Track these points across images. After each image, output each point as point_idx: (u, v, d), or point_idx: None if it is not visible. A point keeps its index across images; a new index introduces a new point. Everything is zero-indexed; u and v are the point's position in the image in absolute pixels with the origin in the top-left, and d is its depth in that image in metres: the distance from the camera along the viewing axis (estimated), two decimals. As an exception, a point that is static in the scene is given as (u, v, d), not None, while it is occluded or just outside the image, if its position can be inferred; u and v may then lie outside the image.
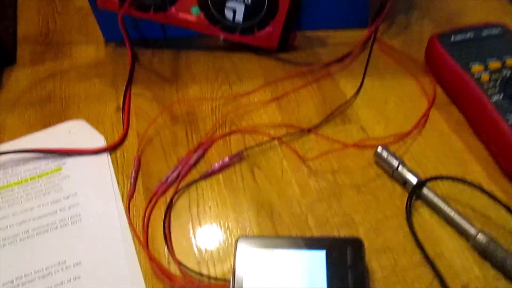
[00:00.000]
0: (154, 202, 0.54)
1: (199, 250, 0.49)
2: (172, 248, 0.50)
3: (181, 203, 0.54)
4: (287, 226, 0.50)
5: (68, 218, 0.54)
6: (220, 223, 0.52)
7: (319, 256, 0.44)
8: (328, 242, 0.45)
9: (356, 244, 0.45)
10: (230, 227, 0.51)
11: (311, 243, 0.45)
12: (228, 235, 0.50)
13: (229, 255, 0.49)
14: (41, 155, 0.61)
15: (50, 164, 0.60)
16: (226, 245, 0.50)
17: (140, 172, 0.58)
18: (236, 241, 0.46)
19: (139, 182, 0.57)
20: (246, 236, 0.47)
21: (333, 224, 0.50)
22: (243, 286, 0.43)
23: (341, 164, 0.56)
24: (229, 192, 0.54)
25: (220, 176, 0.56)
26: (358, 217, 0.50)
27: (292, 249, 0.45)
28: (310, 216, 0.51)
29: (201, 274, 0.47)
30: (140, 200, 0.55)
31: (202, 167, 0.57)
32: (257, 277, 0.44)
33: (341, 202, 0.52)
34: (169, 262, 0.49)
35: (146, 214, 0.53)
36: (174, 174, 0.56)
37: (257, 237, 0.47)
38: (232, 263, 0.45)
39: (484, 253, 0.45)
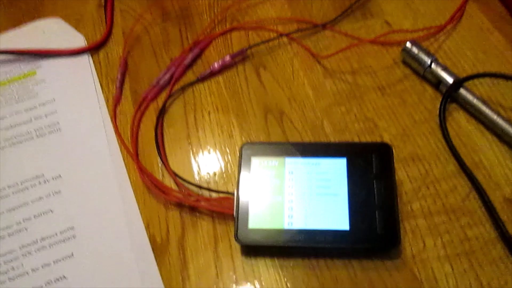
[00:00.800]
0: (144, 108, 0.47)
1: (197, 162, 0.43)
2: (165, 158, 0.43)
3: (175, 109, 0.47)
4: (299, 133, 0.43)
5: (45, 127, 0.46)
6: (221, 130, 0.44)
7: (339, 165, 0.37)
8: (350, 148, 0.38)
9: (383, 151, 0.38)
10: (234, 134, 0.44)
11: (330, 150, 0.38)
12: (231, 143, 0.43)
13: (232, 167, 0.42)
14: (12, 57, 0.52)
15: (22, 67, 0.52)
16: (229, 155, 0.43)
17: (127, 75, 0.50)
18: (241, 148, 0.39)
19: (126, 86, 0.49)
20: (252, 142, 0.40)
21: (353, 130, 0.43)
22: (250, 198, 0.37)
23: (362, 63, 0.47)
24: (231, 95, 0.47)
25: (221, 77, 0.48)
26: (382, 122, 0.43)
27: (306, 157, 0.38)
28: (327, 121, 0.44)
29: (200, 187, 0.41)
30: (127, 105, 0.47)
31: (199, 68, 0.49)
32: (265, 189, 0.37)
33: (363, 106, 0.44)
34: (163, 175, 0.42)
35: (135, 121, 0.46)
36: (167, 76, 0.48)
37: (265, 143, 0.40)
38: (237, 175, 0.38)
39: (532, 160, 0.39)
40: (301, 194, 0.37)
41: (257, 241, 0.35)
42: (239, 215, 0.36)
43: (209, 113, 0.46)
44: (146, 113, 0.47)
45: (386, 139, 0.42)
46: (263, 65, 0.48)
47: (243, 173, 0.38)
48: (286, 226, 0.36)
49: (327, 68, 0.47)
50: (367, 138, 0.42)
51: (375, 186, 0.36)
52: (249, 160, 0.38)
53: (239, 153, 0.39)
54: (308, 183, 0.37)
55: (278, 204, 0.36)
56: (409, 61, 0.46)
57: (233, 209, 0.37)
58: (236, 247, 0.38)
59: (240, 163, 0.38)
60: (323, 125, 0.43)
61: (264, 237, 0.35)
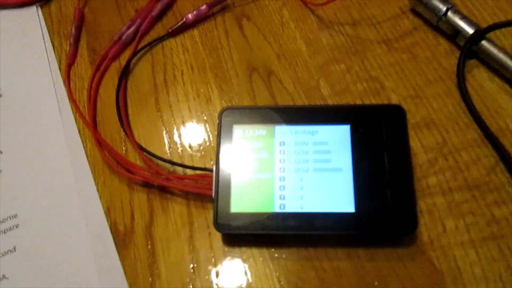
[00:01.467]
0: (103, 68, 0.39)
1: (168, 132, 0.35)
2: (129, 129, 0.36)
3: (141, 69, 0.39)
4: (290, 96, 0.36)
5: (-17, 92, 0.38)
6: (197, 93, 0.37)
7: (342, 133, 0.30)
8: (354, 113, 0.31)
9: (394, 115, 0.31)
10: (212, 98, 0.36)
11: (329, 115, 0.31)
12: (209, 109, 0.36)
13: (211, 139, 0.35)
14: None
15: (-43, 21, 0.43)
16: (207, 124, 0.35)
17: (83, 30, 0.41)
18: (220, 114, 0.32)
19: (82, 43, 0.41)
20: (234, 107, 0.32)
21: (356, 92, 0.36)
22: (232, 176, 0.30)
23: (364, 12, 0.40)
24: (209, 52, 0.39)
25: (196, 31, 0.40)
26: (389, 82, 0.36)
27: (300, 124, 0.31)
28: (324, 82, 0.36)
29: (171, 163, 0.34)
30: (84, 66, 0.39)
31: (169, 20, 0.41)
32: (251, 164, 0.30)
33: (366, 63, 0.37)
34: (126, 149, 0.35)
35: (93, 85, 0.38)
36: (131, 30, 0.40)
37: (250, 108, 0.33)
38: (216, 147, 0.31)
39: None
40: (295, 170, 0.30)
41: (241, 228, 0.29)
42: (219, 197, 0.29)
43: (182, 73, 0.38)
44: (106, 75, 0.39)
45: (395, 101, 0.35)
46: (247, 16, 0.40)
47: (224, 145, 0.31)
48: (277, 209, 0.29)
49: (322, 19, 0.40)
50: (372, 101, 0.35)
51: (386, 158, 0.29)
52: (231, 129, 0.31)
53: (218, 121, 0.32)
54: (303, 156, 0.30)
55: (267, 182, 0.30)
56: (419, 9, 0.38)
57: (211, 189, 0.30)
58: (217, 235, 0.31)
59: (220, 133, 0.31)
60: (319, 86, 0.36)
61: (250, 223, 0.29)
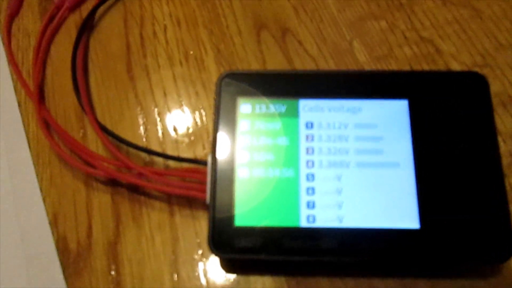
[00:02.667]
0: (58, 21, 0.28)
1: (145, 110, 0.26)
2: (89, 104, 0.25)
3: (109, 23, 0.29)
4: (314, 61, 0.26)
5: None
6: (184, 56, 0.27)
7: (397, 111, 0.21)
8: (413, 82, 0.22)
9: (471, 86, 0.21)
10: (206, 63, 0.27)
11: (378, 85, 0.22)
12: (201, 78, 0.26)
13: (204, 119, 0.25)
14: None
15: None
16: (199, 98, 0.26)
17: (33, -29, 0.31)
18: (219, 82, 0.22)
19: (31, -13, 0.30)
20: (239, 71, 0.23)
21: (403, 57, 0.26)
22: (236, 172, 0.20)
23: (408, -44, 0.30)
24: (202, 2, 0.29)
25: (184, -25, 0.30)
26: (447, 45, 0.26)
27: (335, 97, 0.21)
28: (358, 43, 0.27)
29: (148, 152, 0.24)
30: (32, 17, 0.29)
31: (149, -39, 0.31)
32: (264, 156, 0.21)
33: (414, 20, 0.27)
34: (84, 132, 0.25)
35: (43, 42, 0.28)
36: (97, -28, 0.30)
37: (261, 73, 0.23)
38: (212, 130, 0.22)
39: None
40: (329, 165, 0.20)
41: (250, 250, 0.19)
42: (217, 203, 0.20)
43: (164, 29, 0.28)
44: (61, 30, 0.29)
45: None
46: (253, -43, 0.30)
47: (224, 126, 0.21)
48: (304, 223, 0.19)
49: (353, -37, 0.30)
50: (426, 68, 0.26)
51: (464, 147, 0.20)
52: (234, 104, 0.21)
53: (216, 92, 0.22)
54: (341, 145, 0.20)
55: (288, 183, 0.20)
56: (483, -49, 0.29)
57: (205, 191, 0.21)
58: (213, 259, 0.21)
59: (218, 109, 0.21)
60: (352, 48, 0.27)
61: (264, 243, 0.19)
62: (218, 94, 0.21)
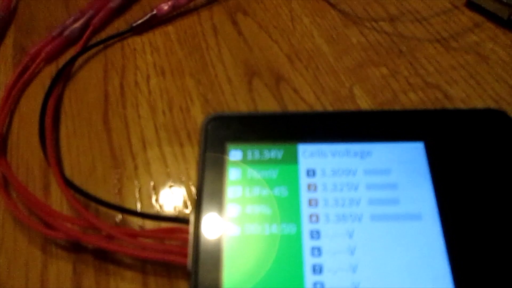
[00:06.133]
0: (32, 72, 0.26)
1: (121, 162, 0.22)
2: (55, 156, 0.22)
3: (88, 73, 0.26)
4: (310, 108, 0.24)
5: None
6: (168, 106, 0.24)
7: (411, 154, 0.18)
8: (429, 122, 0.19)
9: (494, 124, 0.19)
10: (192, 112, 0.24)
11: (389, 126, 0.19)
12: (186, 127, 0.23)
13: (187, 172, 0.22)
14: None
15: None
16: (184, 150, 0.23)
17: (12, 24, 0.29)
18: (205, 125, 0.19)
19: (8, 39, 0.29)
20: (227, 114, 0.20)
21: (408, 103, 0.24)
22: (223, 228, 0.17)
23: (403, 7, 0.29)
24: (189, 52, 0.27)
25: (171, 27, 0.29)
26: (456, 90, 0.24)
27: (341, 141, 0.18)
28: (359, 90, 0.25)
29: (121, 210, 0.20)
30: (4, 68, 0.27)
31: (135, 14, 0.30)
32: (258, 209, 0.17)
33: (417, 66, 0.26)
34: (48, 190, 0.21)
35: (12, 92, 0.25)
36: (79, 24, 0.28)
37: (254, 115, 0.20)
38: (196, 181, 0.18)
39: None
40: (337, 219, 0.17)
41: (242, 330, 0.15)
42: (201, 269, 0.16)
43: (147, 79, 0.26)
44: (34, 82, 0.26)
45: (470, 117, 0.23)
46: (243, 10, 0.29)
47: (210, 177, 0.18)
48: (310, 291, 0.15)
49: (347, 14, 0.29)
50: (434, 117, 0.23)
51: (494, 195, 0.17)
52: (223, 150, 0.18)
53: (201, 137, 0.19)
54: (350, 194, 0.17)
55: (288, 242, 0.16)
56: (481, 1, 0.28)
57: (187, 255, 0.17)
58: None
59: (204, 156, 0.18)
60: (353, 95, 0.24)
61: (260, 320, 0.15)
62: (204, 140, 0.18)
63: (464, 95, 0.24)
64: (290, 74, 0.26)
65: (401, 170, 0.18)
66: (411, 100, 0.24)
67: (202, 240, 0.16)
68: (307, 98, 0.24)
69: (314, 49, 0.27)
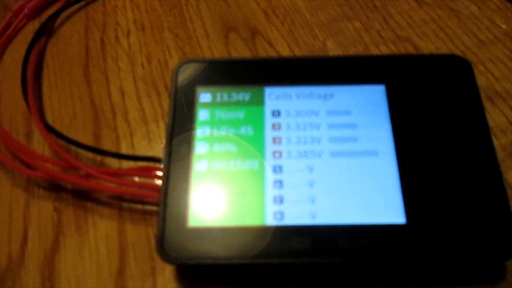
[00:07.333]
0: (14, 28, 0.27)
1: (101, 113, 0.23)
2: (36, 104, 0.23)
3: (69, 29, 0.27)
4: (285, 62, 0.25)
5: None
6: (147, 58, 0.25)
7: (372, 96, 0.19)
8: (390, 66, 0.20)
9: (454, 69, 0.20)
10: (169, 64, 0.25)
11: (351, 70, 0.20)
12: (164, 78, 0.24)
13: (162, 116, 0.23)
14: None
15: None
16: (160, 98, 0.23)
17: (-5, -16, 0.30)
18: (176, 70, 0.20)
19: (-10, -3, 0.29)
20: (197, 59, 0.21)
21: (377, 54, 0.25)
22: (191, 165, 0.18)
23: (381, -36, 0.29)
24: (169, 9, 0.28)
25: (151, -16, 0.29)
26: (426, 43, 0.25)
27: (304, 84, 0.19)
28: (333, 42, 0.25)
29: (96, 151, 0.21)
30: (-13, 26, 0.28)
31: (115, -29, 0.30)
32: (224, 148, 0.18)
33: (390, 21, 0.26)
34: (30, 136, 0.22)
35: (-5, 48, 0.26)
36: (60, -18, 0.29)
37: (222, 61, 0.21)
38: (167, 121, 0.19)
39: None
40: (298, 155, 0.18)
41: (207, 255, 0.16)
42: (168, 202, 0.17)
43: (128, 34, 0.26)
44: (17, 38, 0.27)
45: (438, 68, 0.24)
46: (222, -34, 0.30)
47: (180, 118, 0.19)
48: (271, 220, 0.17)
49: (325, -29, 0.29)
50: (403, 69, 0.24)
51: (450, 136, 0.18)
52: (193, 93, 0.19)
53: (173, 81, 0.20)
54: (312, 133, 0.18)
55: (252, 176, 0.17)
56: (455, -43, 0.28)
57: (158, 191, 0.18)
58: (167, 270, 0.18)
59: (175, 99, 0.19)
60: (326, 48, 0.25)
61: (223, 246, 0.16)
62: (174, 83, 0.19)
63: (434, 47, 0.25)
64: (266, 28, 0.26)
65: (361, 111, 0.19)
66: (382, 52, 0.25)
67: (171, 175, 0.17)
68: (282, 51, 0.25)
69: (290, 5, 0.27)
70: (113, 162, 0.21)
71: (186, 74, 0.19)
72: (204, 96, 0.19)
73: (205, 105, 0.19)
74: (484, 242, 0.16)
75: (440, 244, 0.16)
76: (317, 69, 0.20)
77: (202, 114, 0.19)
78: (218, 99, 0.19)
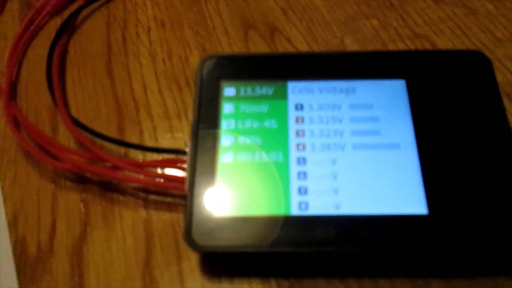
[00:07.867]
0: (37, 25, 0.27)
1: (123, 105, 0.24)
2: (62, 99, 0.24)
3: (91, 26, 0.28)
4: (303, 59, 0.25)
5: None
6: (168, 55, 0.26)
7: (392, 91, 0.19)
8: (411, 61, 0.20)
9: (473, 65, 0.20)
10: (190, 60, 0.25)
11: (373, 65, 0.20)
12: (185, 74, 0.25)
13: (186, 113, 0.23)
14: None
15: None
16: (182, 93, 0.24)
17: (17, -19, 0.30)
18: (201, 65, 0.20)
19: (13, -6, 0.30)
20: (222, 55, 0.21)
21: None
22: (217, 157, 0.18)
23: (397, -38, 0.30)
24: (188, 6, 0.28)
25: (170, -18, 0.30)
26: (443, 40, 0.25)
27: (327, 78, 0.20)
28: (351, 40, 0.26)
29: (123, 144, 0.22)
30: (11, 22, 0.28)
31: (135, -31, 0.31)
32: (249, 140, 0.19)
33: (407, 18, 0.27)
34: (56, 129, 0.23)
35: (20, 44, 0.26)
36: (81, -20, 0.29)
37: (247, 56, 0.21)
38: (192, 118, 0.20)
39: None
40: (322, 148, 0.18)
41: (233, 244, 0.17)
42: (195, 192, 0.17)
43: (148, 31, 0.27)
44: (40, 34, 0.27)
45: (455, 65, 0.24)
46: (240, -35, 0.30)
47: (205, 111, 0.19)
48: (296, 210, 0.17)
49: (341, -30, 0.29)
50: (421, 65, 0.24)
51: (470, 130, 0.18)
52: (217, 88, 0.20)
53: (197, 76, 0.20)
54: (334, 126, 0.18)
55: (276, 167, 0.18)
56: (471, -44, 0.29)
57: (184, 183, 0.18)
58: (192, 258, 0.19)
59: (200, 93, 0.20)
60: (344, 44, 0.25)
61: (249, 235, 0.17)
62: (199, 78, 0.20)
63: (451, 45, 0.25)
64: (285, 25, 0.27)
65: (383, 105, 0.19)
66: (400, 49, 0.25)
67: (198, 166, 0.18)
68: (300, 48, 0.25)
69: (308, 3, 0.28)
70: (137, 155, 0.21)
71: (210, 69, 0.20)
72: (229, 90, 0.20)
73: (230, 98, 0.19)
74: (504, 234, 0.16)
75: (461, 235, 0.16)
76: (339, 64, 0.20)
77: (226, 108, 0.19)
78: (242, 93, 0.19)
